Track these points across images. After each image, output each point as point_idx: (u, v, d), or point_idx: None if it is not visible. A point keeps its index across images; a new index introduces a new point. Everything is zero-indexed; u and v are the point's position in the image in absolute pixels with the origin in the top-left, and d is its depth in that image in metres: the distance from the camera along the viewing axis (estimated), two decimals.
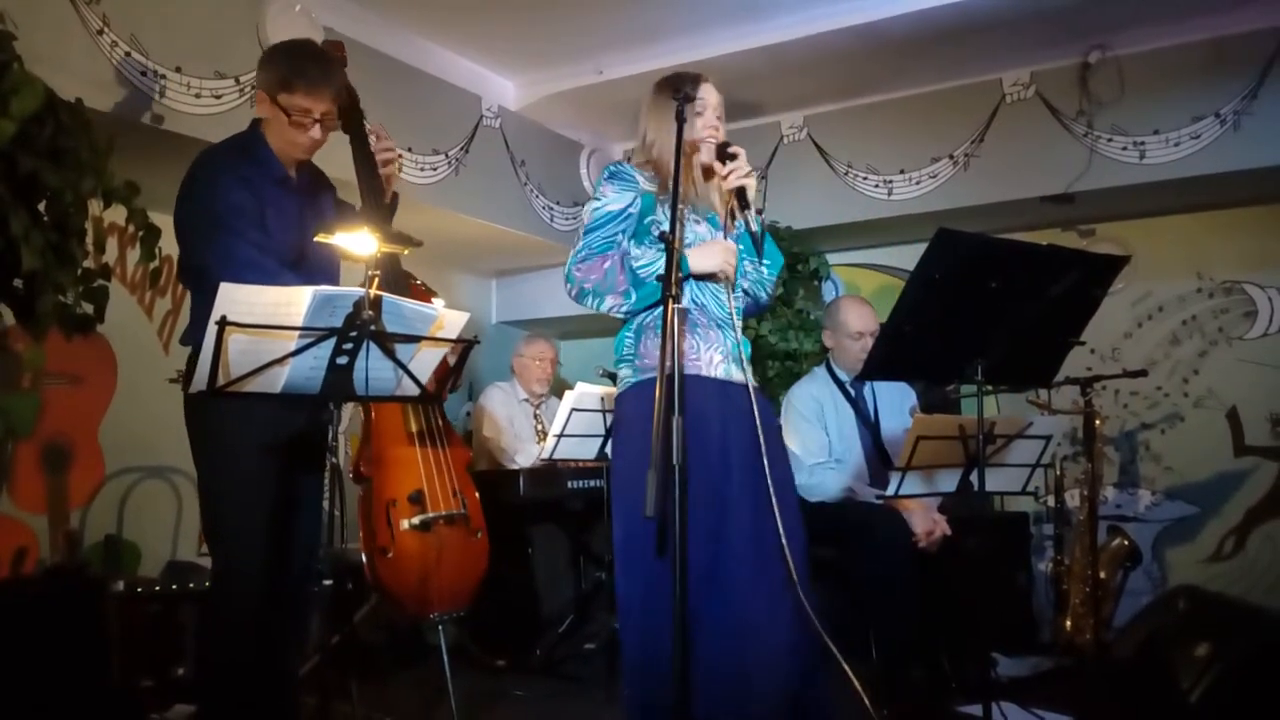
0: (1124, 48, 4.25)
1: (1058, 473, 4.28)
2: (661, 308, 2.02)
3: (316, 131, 2.52)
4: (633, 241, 2.36)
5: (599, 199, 2.37)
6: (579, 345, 6.06)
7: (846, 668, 2.18)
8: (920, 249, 2.40)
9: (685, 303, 2.33)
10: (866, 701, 2.22)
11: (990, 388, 4.28)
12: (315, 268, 2.55)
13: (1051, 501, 4.43)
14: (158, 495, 4.06)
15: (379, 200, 2.75)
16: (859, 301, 3.78)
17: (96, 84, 3.08)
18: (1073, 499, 4.47)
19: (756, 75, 4.55)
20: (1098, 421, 3.93)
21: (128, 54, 3.20)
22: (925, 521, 3.33)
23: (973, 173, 4.60)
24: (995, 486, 3.03)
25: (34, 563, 3.60)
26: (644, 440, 2.11)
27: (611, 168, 2.42)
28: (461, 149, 4.54)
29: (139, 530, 3.98)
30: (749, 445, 2.27)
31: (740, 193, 2.34)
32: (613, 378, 4.59)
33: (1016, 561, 4.45)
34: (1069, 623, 3.95)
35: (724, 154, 2.37)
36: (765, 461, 2.24)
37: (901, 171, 4.77)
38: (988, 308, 2.48)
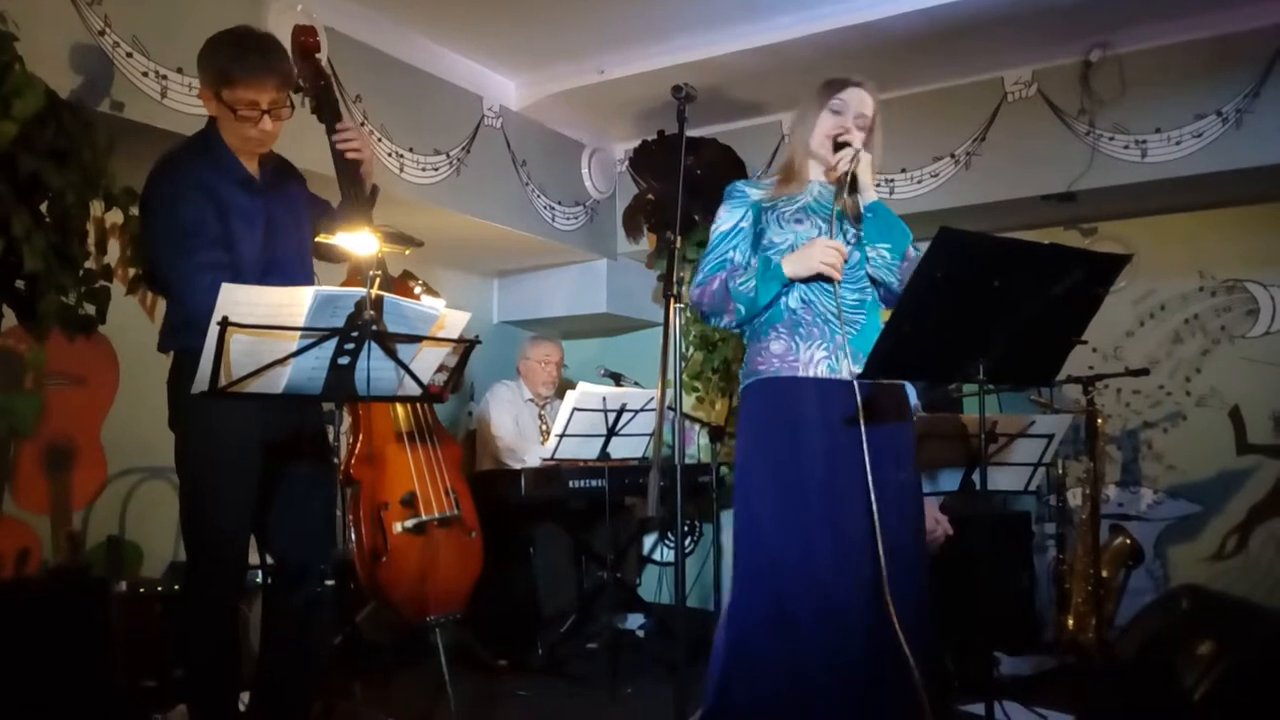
0: (1126, 46, 4.24)
1: (1060, 471, 4.28)
2: (759, 316, 2.12)
3: (267, 123, 2.39)
4: (752, 252, 2.42)
5: (715, 223, 2.45)
6: (581, 345, 6.05)
7: (915, 670, 2.16)
8: (922, 248, 2.39)
9: (794, 303, 2.35)
10: (923, 695, 2.19)
11: (992, 387, 4.28)
12: (288, 270, 2.49)
13: (1054, 500, 4.42)
14: (160, 496, 4.06)
15: (359, 194, 2.65)
16: None
17: (98, 85, 3.07)
18: (1075, 498, 4.46)
19: (757, 74, 4.54)
20: (1100, 420, 3.92)
21: (129, 55, 3.20)
22: (928, 520, 3.33)
23: (974, 171, 4.60)
24: (997, 485, 3.03)
25: (37, 563, 3.61)
26: (751, 442, 2.26)
27: (727, 188, 2.50)
28: (463, 149, 4.54)
29: (141, 531, 3.98)
30: (859, 443, 2.24)
31: (851, 178, 2.34)
32: (614, 378, 4.63)
33: (1019, 560, 4.44)
34: (1071, 621, 3.95)
35: (837, 145, 2.39)
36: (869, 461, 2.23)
37: (903, 170, 4.76)
38: (989, 307, 2.47)
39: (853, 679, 2.20)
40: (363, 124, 3.99)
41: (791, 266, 2.31)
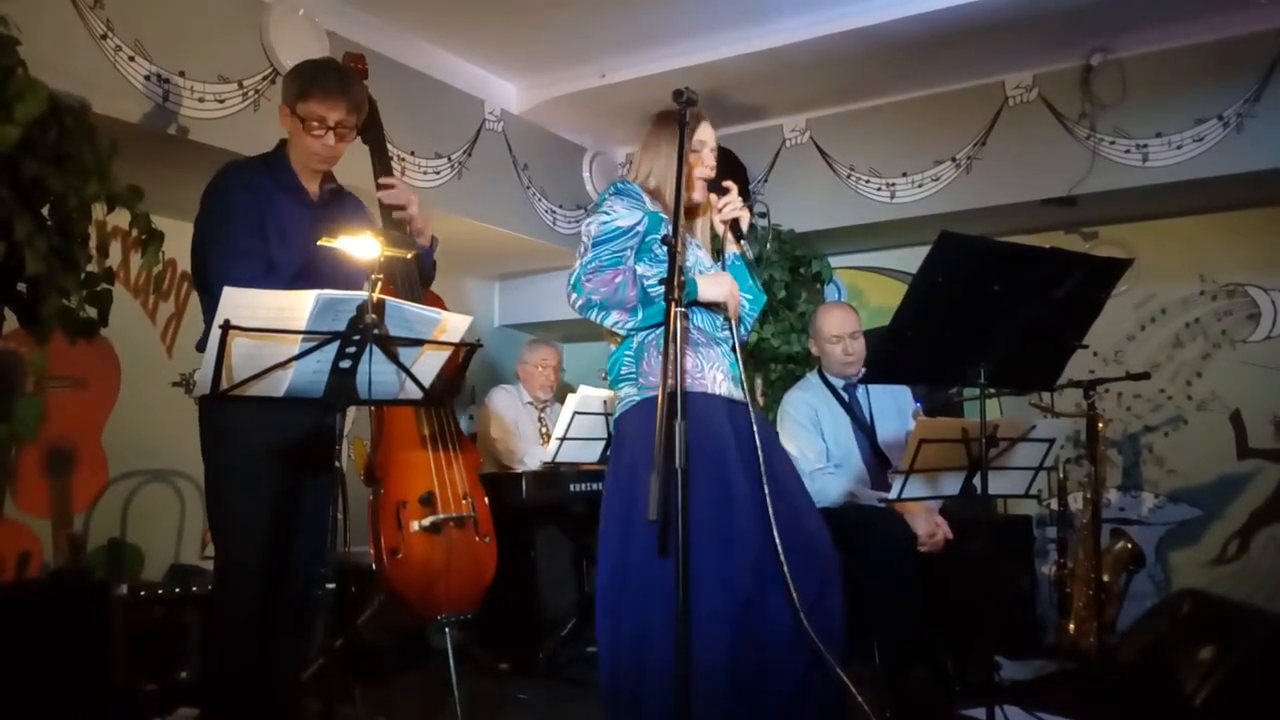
0: (1126, 50, 4.25)
1: (1061, 476, 4.27)
2: (664, 324, 2.05)
3: (330, 139, 2.56)
4: (636, 259, 2.39)
5: (607, 213, 2.38)
6: (582, 348, 6.06)
7: (844, 677, 2.18)
8: (923, 252, 2.40)
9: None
10: (866, 707, 2.22)
11: (993, 391, 4.28)
12: (318, 282, 2.51)
13: (1054, 504, 4.42)
14: (161, 499, 4.07)
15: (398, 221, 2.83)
16: (835, 306, 3.82)
17: (100, 89, 3.08)
18: (1076, 502, 4.46)
19: (759, 78, 4.55)
20: (1101, 424, 3.92)
21: (131, 59, 3.21)
22: (928, 524, 3.32)
23: (975, 175, 4.60)
24: (998, 489, 3.02)
25: (38, 566, 3.61)
26: (648, 456, 2.15)
27: (619, 185, 2.45)
28: (464, 153, 4.54)
29: (142, 534, 3.99)
30: (754, 460, 2.31)
31: (735, 224, 2.46)
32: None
33: (1020, 565, 4.44)
34: (1072, 626, 3.94)
35: (717, 188, 2.47)
36: (767, 475, 2.27)
37: (904, 174, 4.77)
38: (990, 311, 2.48)
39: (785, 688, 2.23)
40: None
41: (706, 287, 2.36)
